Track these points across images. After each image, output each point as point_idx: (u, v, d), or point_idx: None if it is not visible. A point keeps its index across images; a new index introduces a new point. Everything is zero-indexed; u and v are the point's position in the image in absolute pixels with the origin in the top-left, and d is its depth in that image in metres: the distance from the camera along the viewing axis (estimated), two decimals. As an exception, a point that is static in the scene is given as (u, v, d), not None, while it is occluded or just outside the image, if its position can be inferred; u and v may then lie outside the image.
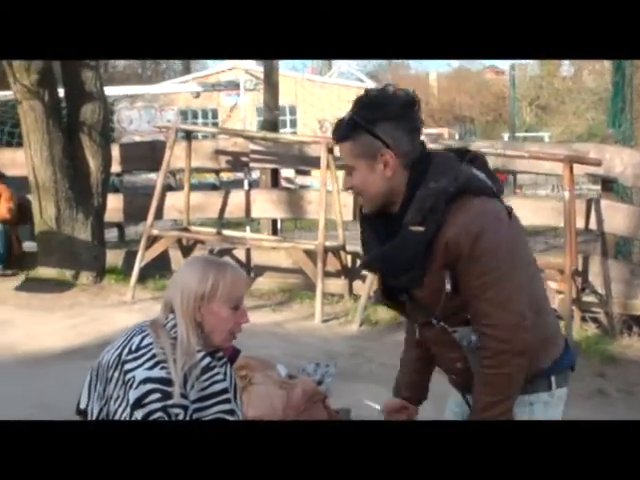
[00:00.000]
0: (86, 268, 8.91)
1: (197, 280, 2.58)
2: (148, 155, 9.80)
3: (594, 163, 7.57)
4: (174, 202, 9.60)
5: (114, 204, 9.73)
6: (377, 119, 2.49)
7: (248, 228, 10.06)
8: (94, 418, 2.59)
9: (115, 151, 9.72)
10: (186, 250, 9.24)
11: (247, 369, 4.38)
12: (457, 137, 30.36)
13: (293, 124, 31.32)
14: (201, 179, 17.42)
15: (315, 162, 8.68)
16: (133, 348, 2.53)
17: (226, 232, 9.19)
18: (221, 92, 18.64)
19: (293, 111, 30.90)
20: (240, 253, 9.38)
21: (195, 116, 31.02)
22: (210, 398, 2.58)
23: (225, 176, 15.69)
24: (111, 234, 11.29)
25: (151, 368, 2.47)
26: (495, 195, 2.54)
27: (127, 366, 2.49)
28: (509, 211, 2.53)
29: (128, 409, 2.45)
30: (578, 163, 7.50)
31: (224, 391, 2.61)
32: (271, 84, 9.90)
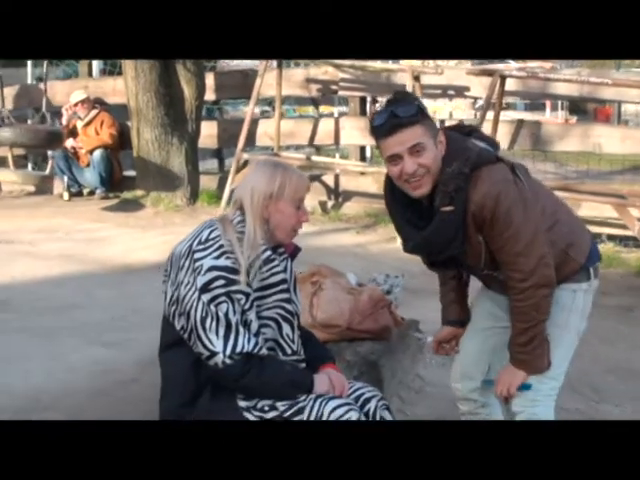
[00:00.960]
0: (180, 190, 9.30)
1: (266, 181, 2.87)
2: (241, 83, 10.04)
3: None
4: (266, 129, 9.91)
5: (209, 131, 10.09)
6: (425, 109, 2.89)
7: (337, 155, 10.30)
8: (167, 301, 2.88)
9: (210, 80, 10.04)
10: (276, 175, 9.54)
11: (318, 275, 4.63)
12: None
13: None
14: (302, 112, 17.64)
15: (401, 90, 8.83)
16: (202, 239, 2.81)
17: (315, 158, 9.45)
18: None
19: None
20: (329, 179, 9.66)
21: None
22: (270, 288, 2.87)
23: (325, 110, 15.92)
24: (212, 165, 11.62)
25: (217, 257, 2.76)
26: (498, 159, 2.95)
27: (196, 255, 2.78)
28: (512, 167, 2.95)
29: (196, 293, 2.74)
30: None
31: (283, 281, 2.91)
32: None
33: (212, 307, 2.74)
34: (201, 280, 2.74)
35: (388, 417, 3.01)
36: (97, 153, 9.80)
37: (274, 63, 9.32)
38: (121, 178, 10.12)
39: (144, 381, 4.07)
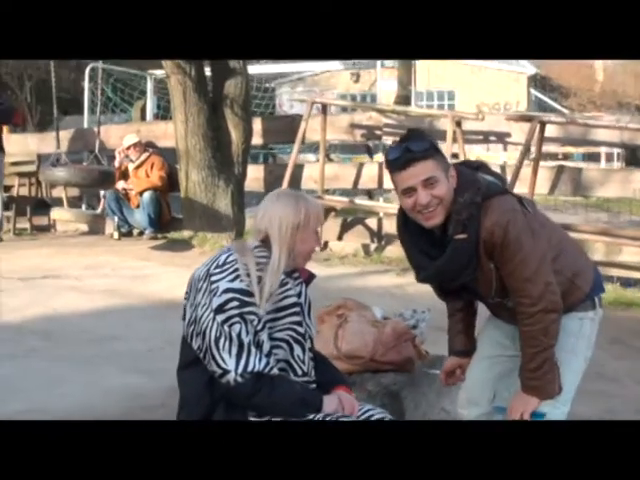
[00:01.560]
0: (226, 231, 9.51)
1: (293, 212, 3.00)
2: (288, 128, 10.29)
3: None
4: (311, 173, 10.13)
5: (255, 174, 10.34)
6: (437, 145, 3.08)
7: (381, 199, 10.45)
8: (185, 322, 3.02)
9: (257, 124, 10.32)
10: (319, 218, 9.73)
11: (344, 308, 4.75)
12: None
13: (451, 109, 31.30)
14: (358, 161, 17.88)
15: (443, 135, 8.99)
16: (220, 263, 2.95)
17: (359, 201, 9.61)
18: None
19: (452, 96, 30.89)
20: (372, 222, 9.81)
21: (354, 100, 31.50)
22: (283, 310, 3.01)
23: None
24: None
25: (232, 280, 2.90)
26: (506, 191, 3.13)
27: (213, 278, 2.92)
28: (520, 200, 3.12)
29: (212, 314, 2.88)
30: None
31: (295, 305, 3.04)
32: (404, 61, 10.26)
33: (226, 327, 2.87)
34: (216, 301, 2.89)
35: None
36: (146, 195, 10.09)
37: (319, 108, 9.56)
38: (170, 219, 10.39)
39: (170, 405, 4.19)
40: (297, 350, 3.06)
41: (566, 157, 21.07)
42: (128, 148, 10.37)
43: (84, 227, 11.00)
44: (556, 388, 3.07)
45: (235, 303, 2.89)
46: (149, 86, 12.97)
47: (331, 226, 9.78)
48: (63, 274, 7.92)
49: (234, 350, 2.87)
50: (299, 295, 3.09)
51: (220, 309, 2.89)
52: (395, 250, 9.46)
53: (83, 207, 11.98)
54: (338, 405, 3.04)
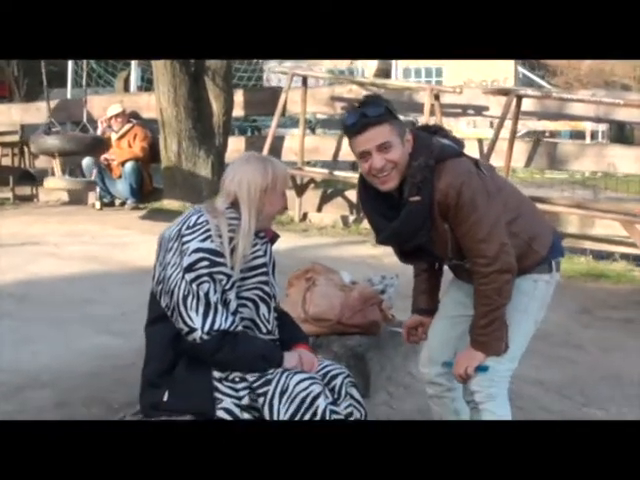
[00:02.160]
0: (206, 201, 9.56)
1: (261, 175, 3.10)
2: (269, 100, 10.35)
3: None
4: (291, 145, 10.21)
5: (236, 146, 10.41)
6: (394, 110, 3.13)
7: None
8: (154, 280, 3.11)
9: (239, 96, 10.37)
10: (300, 189, 9.83)
11: (312, 272, 4.85)
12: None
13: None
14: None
15: (422, 108, 9.08)
16: (190, 224, 3.04)
17: (337, 172, 9.69)
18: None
19: (439, 73, 30.85)
20: (351, 194, 9.89)
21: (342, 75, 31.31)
22: (251, 270, 3.11)
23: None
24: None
25: (203, 240, 2.98)
26: (462, 154, 3.18)
27: (184, 238, 3.01)
28: (476, 163, 3.18)
29: (181, 273, 2.98)
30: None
31: (263, 265, 3.15)
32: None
33: (194, 286, 2.96)
34: (187, 260, 2.97)
35: (355, 394, 3.22)
36: (128, 165, 10.15)
37: (300, 81, 9.63)
38: (152, 190, 10.46)
39: (140, 365, 4.31)
40: (263, 309, 3.16)
41: (553, 135, 21.12)
42: (111, 118, 10.41)
43: (65, 198, 11.04)
44: (502, 346, 3.15)
45: (205, 262, 2.97)
46: (133, 57, 12.98)
47: (310, 198, 9.88)
48: (43, 241, 8.00)
49: (201, 309, 2.96)
50: (265, 253, 3.18)
51: (190, 268, 2.97)
52: (373, 222, 9.56)
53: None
54: (298, 362, 3.14)
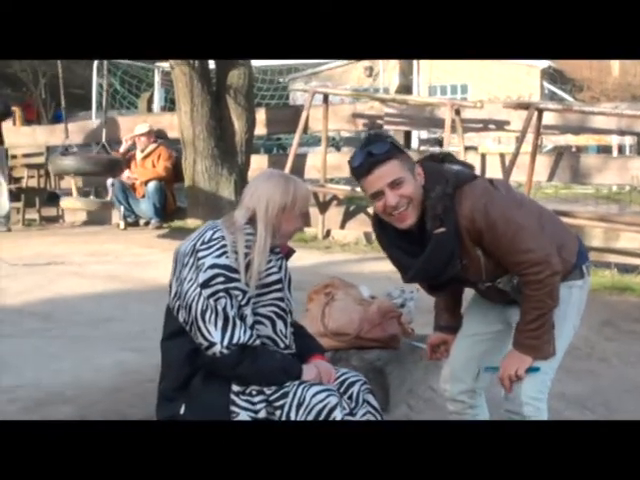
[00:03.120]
0: (229, 220, 9.61)
1: (280, 193, 3.11)
2: (291, 118, 10.38)
3: None
4: (314, 162, 10.24)
5: (260, 164, 10.45)
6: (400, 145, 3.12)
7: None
8: (171, 295, 3.15)
9: (261, 114, 10.44)
10: (323, 206, 9.85)
11: (331, 287, 4.86)
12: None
13: (464, 103, 31.08)
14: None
15: (443, 124, 9.09)
16: (206, 240, 3.06)
17: (359, 189, 9.68)
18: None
19: (465, 90, 30.89)
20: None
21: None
22: (266, 287, 3.13)
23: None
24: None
25: (219, 256, 3.00)
26: (476, 177, 3.16)
27: (199, 254, 3.03)
28: (490, 181, 3.16)
29: (198, 288, 2.99)
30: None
31: (278, 281, 3.17)
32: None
33: (212, 301, 2.97)
34: (202, 277, 2.99)
35: (372, 400, 3.22)
36: (151, 185, 10.24)
37: (320, 98, 9.68)
38: (175, 209, 10.53)
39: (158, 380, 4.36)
40: (279, 325, 3.17)
41: (580, 150, 21.03)
42: (136, 136, 10.50)
43: (92, 217, 11.15)
44: (551, 349, 3.12)
45: (221, 279, 2.99)
46: (156, 78, 13.13)
47: (333, 215, 9.90)
48: (67, 261, 8.06)
49: (220, 323, 2.98)
50: (280, 269, 3.19)
51: (206, 284, 2.98)
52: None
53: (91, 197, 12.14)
54: (316, 374, 3.15)
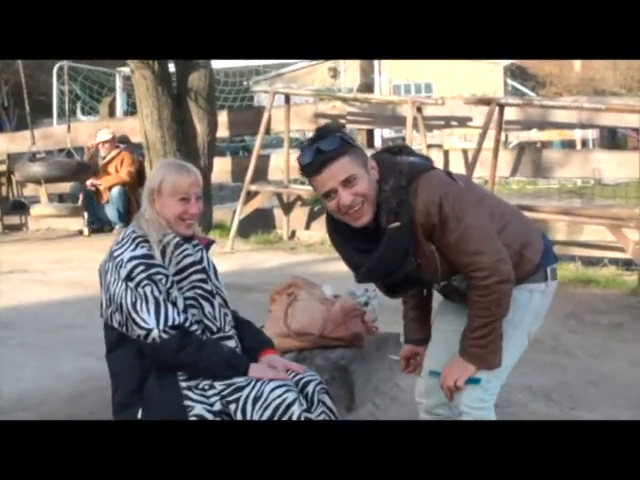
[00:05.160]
0: (194, 223, 9.57)
1: (151, 177, 3.21)
2: (254, 120, 10.33)
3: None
4: (277, 163, 10.22)
5: (223, 166, 10.44)
6: (351, 139, 2.94)
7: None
8: (103, 307, 3.13)
9: (223, 116, 10.41)
10: (287, 207, 9.84)
11: (294, 287, 4.83)
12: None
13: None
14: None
15: (406, 122, 9.09)
16: (118, 240, 3.12)
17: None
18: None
19: (429, 89, 30.95)
20: (339, 211, 9.89)
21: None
22: (185, 269, 3.13)
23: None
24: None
25: (134, 249, 3.05)
26: (433, 167, 3.02)
27: (115, 253, 3.07)
28: (449, 174, 3.04)
29: (122, 284, 3.01)
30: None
31: (196, 263, 3.15)
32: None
33: (139, 290, 3.00)
34: (124, 271, 3.01)
35: (327, 401, 3.20)
36: (115, 190, 10.20)
37: (282, 99, 9.67)
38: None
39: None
40: (207, 307, 3.18)
41: (544, 145, 21.18)
42: (99, 144, 10.43)
43: (56, 225, 11.05)
44: (497, 360, 2.97)
45: (141, 267, 3.02)
46: (118, 83, 13.05)
47: (298, 215, 9.89)
48: (30, 268, 8.03)
49: (152, 307, 3.00)
50: (201, 260, 3.20)
51: (129, 277, 3.01)
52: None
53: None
54: (267, 371, 3.11)
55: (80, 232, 10.36)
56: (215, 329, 3.18)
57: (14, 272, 7.82)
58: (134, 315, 3.01)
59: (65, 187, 10.79)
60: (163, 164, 3.35)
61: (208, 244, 3.36)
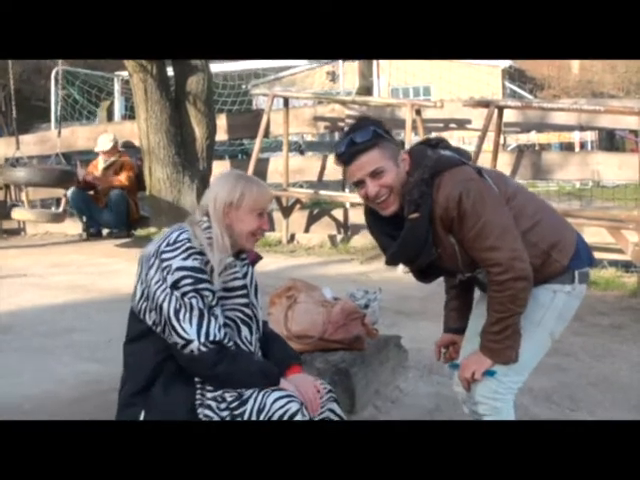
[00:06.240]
0: (192, 227, 9.57)
1: (228, 190, 3.10)
2: (252, 123, 10.35)
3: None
4: (276, 167, 10.21)
5: (221, 170, 10.38)
6: (385, 131, 3.06)
7: (347, 189, 10.53)
8: (137, 298, 3.10)
9: (222, 120, 10.40)
10: (286, 210, 9.82)
11: (294, 289, 4.83)
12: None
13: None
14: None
15: (405, 125, 9.09)
16: (171, 241, 3.03)
17: (322, 192, 9.70)
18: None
19: (427, 92, 30.96)
20: (338, 213, 9.90)
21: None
22: (231, 291, 3.11)
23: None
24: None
25: (185, 259, 2.98)
26: (463, 163, 3.08)
27: (164, 255, 3.00)
28: (479, 171, 3.09)
29: (168, 289, 2.96)
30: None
31: (242, 287, 3.15)
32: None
33: (185, 299, 2.95)
34: (171, 279, 2.96)
35: (336, 409, 3.20)
36: (114, 194, 10.13)
37: (281, 102, 9.65)
38: (138, 218, 10.44)
39: (121, 390, 4.31)
40: (245, 331, 3.15)
41: (543, 148, 21.21)
42: (101, 152, 10.39)
43: (54, 229, 11.04)
44: (513, 355, 3.04)
45: (189, 280, 2.97)
46: (116, 87, 13.04)
47: (297, 218, 9.88)
48: (28, 273, 8.01)
49: (195, 320, 2.96)
50: (245, 276, 3.18)
51: (175, 286, 2.96)
52: (361, 240, 9.57)
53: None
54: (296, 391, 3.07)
55: (79, 236, 10.32)
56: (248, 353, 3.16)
57: (12, 276, 7.80)
58: (175, 323, 2.96)
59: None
60: (236, 177, 3.17)
61: (255, 259, 3.31)
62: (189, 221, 3.14)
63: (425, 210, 2.98)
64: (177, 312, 2.95)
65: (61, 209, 10.18)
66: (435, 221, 3.00)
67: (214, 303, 3.02)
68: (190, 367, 3.01)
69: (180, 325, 2.96)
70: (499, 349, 3.04)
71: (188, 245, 2.99)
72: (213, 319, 2.99)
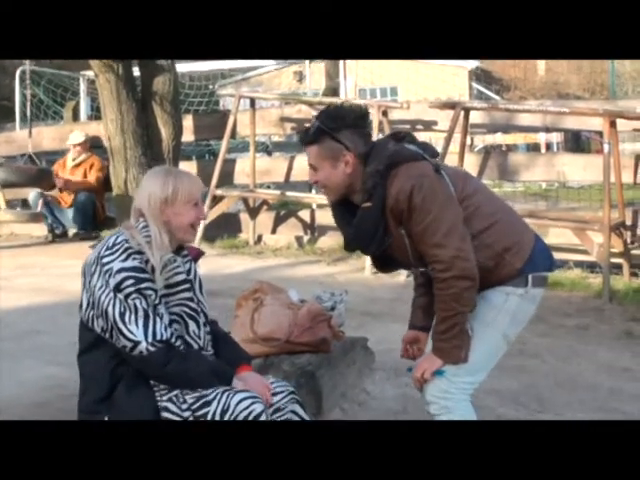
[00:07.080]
0: (158, 228, 9.52)
1: (160, 187, 3.09)
2: (219, 124, 10.29)
3: (633, 117, 7.75)
4: (243, 167, 10.18)
5: (188, 170, 10.34)
6: (339, 127, 3.10)
7: (314, 190, 10.51)
8: (84, 308, 3.09)
9: (188, 120, 10.35)
10: (253, 211, 9.79)
11: (260, 292, 4.81)
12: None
13: (395, 105, 31.17)
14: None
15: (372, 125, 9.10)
16: (109, 245, 3.03)
17: (289, 193, 9.69)
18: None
19: (394, 92, 31.04)
20: (305, 214, 9.89)
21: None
22: (173, 287, 3.11)
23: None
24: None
25: (125, 260, 2.98)
26: (423, 158, 3.13)
27: (104, 260, 3.00)
28: (437, 167, 3.12)
29: (111, 293, 2.96)
30: (619, 118, 7.69)
31: (185, 282, 3.14)
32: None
33: (129, 301, 2.96)
34: (113, 282, 2.97)
35: (299, 410, 3.22)
36: (81, 195, 10.04)
37: (248, 103, 9.63)
38: (104, 219, 10.35)
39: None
40: (192, 326, 3.15)
41: (510, 149, 21.34)
42: (72, 146, 10.30)
43: (19, 230, 10.93)
44: (462, 355, 3.08)
45: (131, 281, 2.97)
46: (82, 87, 12.93)
47: (264, 220, 9.86)
48: (-7, 275, 7.90)
49: (140, 321, 2.96)
50: (188, 272, 3.19)
51: (118, 288, 2.97)
52: (328, 241, 9.57)
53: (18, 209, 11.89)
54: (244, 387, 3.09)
55: (44, 238, 10.21)
56: (197, 348, 3.16)
57: (-24, 278, 7.70)
58: (121, 326, 2.97)
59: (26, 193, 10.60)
60: (164, 173, 3.17)
61: (197, 255, 3.32)
62: (124, 226, 3.14)
63: (377, 200, 3.06)
64: (122, 315, 2.95)
65: (39, 209, 10.08)
66: (387, 212, 3.08)
67: (157, 302, 3.02)
68: (142, 368, 3.01)
69: (126, 327, 2.96)
70: (447, 348, 3.08)
71: (126, 246, 3.01)
72: (159, 319, 3.00)
